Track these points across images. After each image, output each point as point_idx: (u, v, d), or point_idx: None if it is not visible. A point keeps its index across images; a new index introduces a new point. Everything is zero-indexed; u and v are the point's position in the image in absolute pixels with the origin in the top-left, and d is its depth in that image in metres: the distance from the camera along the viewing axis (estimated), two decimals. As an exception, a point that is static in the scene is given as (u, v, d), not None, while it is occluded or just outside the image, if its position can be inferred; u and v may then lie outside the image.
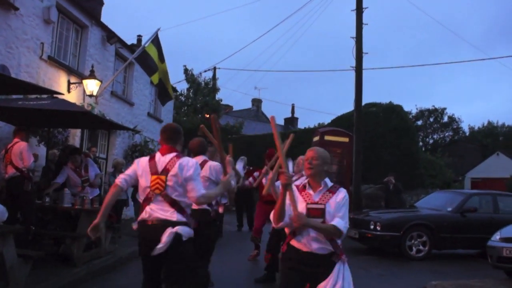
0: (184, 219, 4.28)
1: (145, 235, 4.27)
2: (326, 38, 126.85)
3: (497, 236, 8.79)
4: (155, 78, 14.27)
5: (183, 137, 4.67)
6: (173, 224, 4.18)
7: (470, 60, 32.97)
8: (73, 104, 9.80)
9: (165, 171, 4.31)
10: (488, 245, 8.83)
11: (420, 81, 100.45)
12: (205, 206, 5.50)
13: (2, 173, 8.33)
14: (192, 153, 5.98)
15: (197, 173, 4.36)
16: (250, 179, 10.13)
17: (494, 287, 7.65)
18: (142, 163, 4.47)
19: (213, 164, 5.83)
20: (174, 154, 4.42)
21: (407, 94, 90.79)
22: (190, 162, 4.38)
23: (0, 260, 5.66)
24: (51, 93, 8.58)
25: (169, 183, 4.27)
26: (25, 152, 8.08)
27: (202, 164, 5.64)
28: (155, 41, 14.34)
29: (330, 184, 4.07)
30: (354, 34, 18.12)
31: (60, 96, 9.51)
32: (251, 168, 13.95)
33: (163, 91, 15.00)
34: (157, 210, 4.24)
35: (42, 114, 8.84)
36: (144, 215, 4.29)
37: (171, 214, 4.22)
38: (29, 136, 9.11)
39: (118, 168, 11.56)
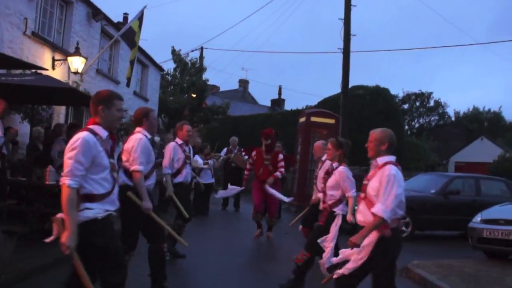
0: None
1: None
2: (314, 19, 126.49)
3: (478, 218, 8.91)
4: (132, 54, 14.36)
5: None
6: None
7: (457, 45, 33.08)
8: (58, 81, 9.72)
9: None
10: (469, 227, 8.97)
11: (408, 65, 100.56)
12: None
13: None
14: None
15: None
16: (248, 166, 10.38)
17: (474, 267, 7.76)
18: None
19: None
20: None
21: (394, 77, 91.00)
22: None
23: (-17, 237, 5.62)
24: (36, 68, 8.48)
25: None
26: None
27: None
28: (141, 18, 14.26)
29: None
30: (342, 16, 18.09)
31: (44, 73, 9.41)
32: (242, 150, 14.02)
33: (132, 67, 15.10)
34: None
35: (26, 90, 8.74)
36: None
37: None
38: (9, 112, 8.89)
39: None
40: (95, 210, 3.71)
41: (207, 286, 6.48)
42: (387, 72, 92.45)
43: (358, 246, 4.07)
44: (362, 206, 4.34)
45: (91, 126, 3.83)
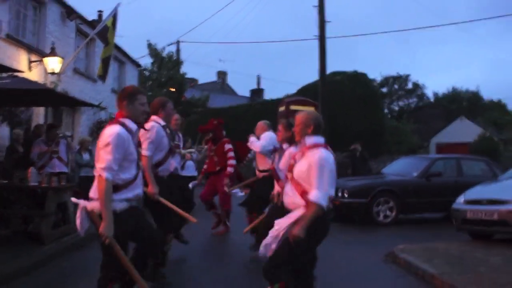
0: None
1: None
2: (289, 7, 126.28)
3: (461, 199, 8.95)
4: (105, 52, 14.18)
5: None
6: None
7: (430, 26, 33.40)
8: (35, 83, 9.68)
9: None
10: (452, 208, 8.99)
11: (385, 49, 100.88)
12: None
13: None
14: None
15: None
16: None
17: (459, 248, 7.83)
18: None
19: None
20: None
21: (371, 62, 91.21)
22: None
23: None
24: (12, 71, 8.41)
25: None
26: None
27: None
28: (115, 16, 14.16)
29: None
30: (316, 3, 18.12)
31: (20, 75, 9.34)
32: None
33: (106, 66, 14.85)
34: None
35: (3, 93, 8.67)
36: None
37: None
38: None
39: (85, 146, 11.29)
40: (115, 203, 3.86)
41: (188, 278, 6.49)
42: (364, 57, 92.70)
43: (301, 238, 3.87)
44: (289, 188, 4.24)
45: (121, 120, 4.00)
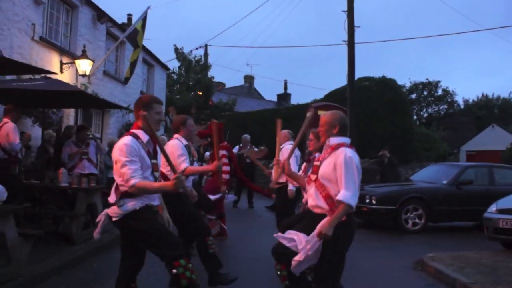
0: None
1: None
2: (317, 12, 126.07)
3: (493, 207, 8.80)
4: (134, 55, 14.38)
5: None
6: None
7: (462, 32, 32.88)
8: (67, 84, 9.78)
9: None
10: (484, 217, 8.84)
11: (414, 55, 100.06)
12: None
13: None
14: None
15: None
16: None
17: (490, 258, 7.69)
18: None
19: None
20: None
21: (400, 68, 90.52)
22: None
23: (1, 239, 5.69)
24: (45, 73, 8.53)
25: None
26: (11, 133, 7.84)
27: None
28: (145, 19, 14.33)
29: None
30: (345, 8, 18.02)
31: (53, 76, 9.47)
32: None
33: (133, 69, 15.06)
34: None
35: (36, 94, 8.82)
36: None
37: None
38: (20, 116, 8.99)
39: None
40: (134, 203, 3.95)
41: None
42: (393, 62, 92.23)
43: (328, 237, 3.83)
44: (312, 190, 4.18)
45: (134, 130, 4.10)
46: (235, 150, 14.94)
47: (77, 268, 6.69)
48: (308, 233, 4.02)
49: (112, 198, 4.02)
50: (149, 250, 4.09)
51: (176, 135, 5.91)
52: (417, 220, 11.05)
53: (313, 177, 4.19)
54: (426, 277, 6.99)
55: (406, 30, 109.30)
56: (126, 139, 3.97)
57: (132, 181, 3.81)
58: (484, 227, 8.85)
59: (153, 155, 4.14)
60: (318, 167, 4.17)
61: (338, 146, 4.09)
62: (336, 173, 3.98)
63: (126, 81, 16.20)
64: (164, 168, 5.43)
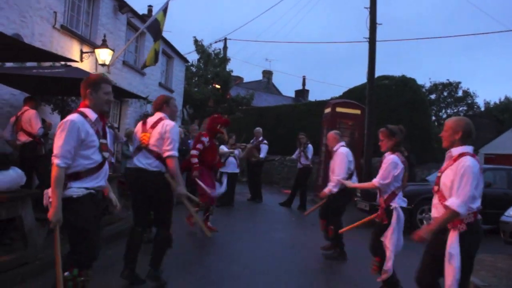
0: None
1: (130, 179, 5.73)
2: (339, 8, 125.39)
3: (510, 211, 8.70)
4: (158, 44, 14.42)
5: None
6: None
7: (486, 33, 32.25)
8: (88, 73, 9.81)
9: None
10: (501, 221, 8.73)
11: (435, 55, 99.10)
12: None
13: (15, 139, 8.75)
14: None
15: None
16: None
17: (506, 262, 7.62)
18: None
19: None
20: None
21: (420, 67, 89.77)
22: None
23: (19, 223, 5.76)
24: (66, 60, 8.59)
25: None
26: (33, 119, 8.53)
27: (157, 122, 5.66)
28: (165, 10, 14.34)
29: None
30: (368, 4, 17.88)
31: (73, 64, 9.53)
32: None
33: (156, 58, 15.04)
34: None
35: (56, 82, 8.90)
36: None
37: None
38: (39, 104, 9.24)
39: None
40: (73, 189, 3.90)
41: (229, 274, 6.50)
42: (413, 61, 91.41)
43: (424, 240, 3.96)
44: (435, 200, 4.21)
45: (81, 109, 4.09)
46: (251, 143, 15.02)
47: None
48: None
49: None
50: (69, 242, 4.06)
51: (159, 113, 5.78)
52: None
53: (436, 188, 4.24)
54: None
55: (428, 29, 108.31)
56: (72, 116, 3.96)
57: (58, 161, 3.80)
58: (501, 231, 8.75)
59: (103, 135, 4.14)
60: (439, 177, 4.21)
61: (459, 156, 4.09)
62: (453, 183, 4.00)
63: (143, 68, 16.12)
64: (154, 144, 5.46)
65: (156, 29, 14.15)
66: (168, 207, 5.62)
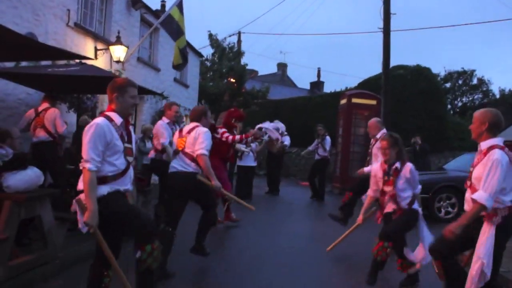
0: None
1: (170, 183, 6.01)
2: None
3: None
4: (182, 41, 14.19)
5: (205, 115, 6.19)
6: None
7: (498, 20, 31.70)
8: (102, 70, 9.89)
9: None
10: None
11: (449, 43, 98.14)
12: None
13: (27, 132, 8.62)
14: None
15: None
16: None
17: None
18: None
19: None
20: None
21: (435, 56, 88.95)
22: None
23: (38, 223, 5.82)
24: (80, 58, 8.66)
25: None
26: (59, 119, 8.52)
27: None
28: (180, 5, 14.27)
29: None
30: (381, -6, 17.75)
31: (88, 62, 9.59)
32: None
33: (184, 56, 14.90)
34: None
35: (71, 80, 8.93)
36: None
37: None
38: (56, 103, 9.27)
39: (147, 134, 11.43)
40: (103, 189, 3.92)
41: (251, 268, 6.52)
42: (428, 51, 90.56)
43: (455, 235, 3.94)
44: (468, 195, 4.20)
45: (107, 112, 4.08)
46: (266, 137, 14.97)
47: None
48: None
49: (80, 186, 3.95)
50: (124, 232, 4.21)
51: (195, 123, 6.11)
52: (450, 209, 10.95)
53: (468, 183, 4.24)
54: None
55: (443, 17, 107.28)
56: (98, 119, 3.95)
57: (89, 165, 3.81)
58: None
59: (128, 139, 4.13)
60: (471, 172, 4.21)
61: (488, 149, 4.09)
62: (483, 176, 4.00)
63: (178, 68, 15.80)
64: (189, 148, 5.86)
65: (173, 28, 14.04)
66: (208, 195, 6.07)
